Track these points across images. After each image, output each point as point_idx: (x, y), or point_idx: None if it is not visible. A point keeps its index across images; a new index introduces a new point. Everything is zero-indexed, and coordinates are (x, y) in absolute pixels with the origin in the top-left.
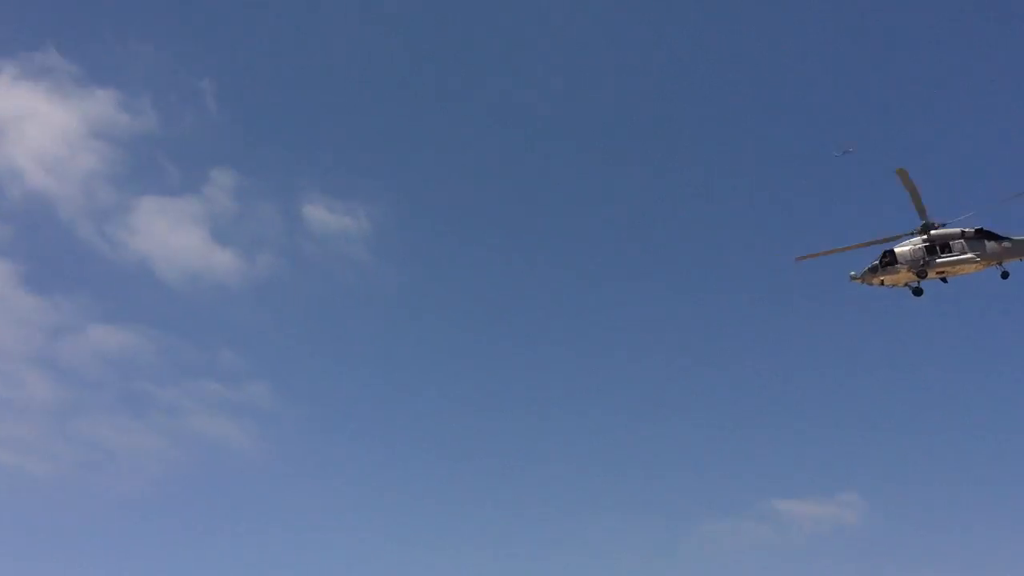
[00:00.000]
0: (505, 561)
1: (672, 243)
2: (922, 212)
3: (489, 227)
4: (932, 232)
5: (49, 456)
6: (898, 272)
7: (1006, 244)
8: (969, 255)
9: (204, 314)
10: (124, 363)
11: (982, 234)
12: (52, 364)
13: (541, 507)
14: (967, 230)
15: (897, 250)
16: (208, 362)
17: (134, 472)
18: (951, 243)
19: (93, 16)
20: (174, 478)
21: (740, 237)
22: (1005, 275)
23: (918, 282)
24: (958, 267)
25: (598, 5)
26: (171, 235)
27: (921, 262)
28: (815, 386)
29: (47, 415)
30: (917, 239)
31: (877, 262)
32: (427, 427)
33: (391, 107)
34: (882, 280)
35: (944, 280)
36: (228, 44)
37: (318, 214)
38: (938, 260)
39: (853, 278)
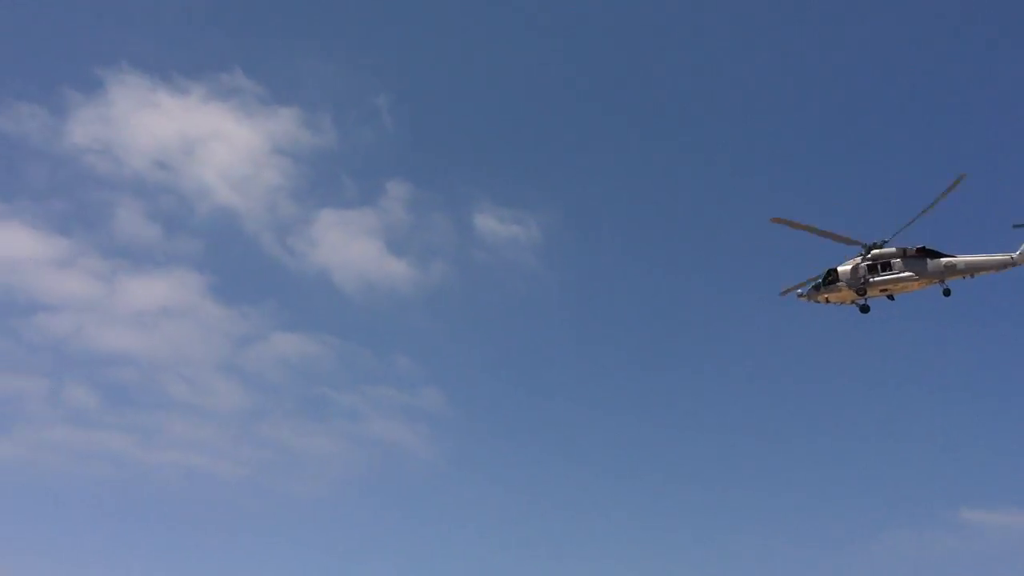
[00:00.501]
0: (675, 573)
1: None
2: (847, 241)
3: (657, 234)
4: (874, 251)
5: (236, 459)
6: (840, 290)
7: (946, 262)
8: (908, 273)
9: (380, 322)
10: (305, 369)
11: (924, 252)
12: (239, 371)
13: (713, 518)
14: (908, 248)
15: (840, 269)
16: (384, 368)
17: (315, 475)
18: (892, 261)
19: (277, 37)
20: (352, 480)
21: None
22: (947, 292)
23: (864, 299)
24: (899, 285)
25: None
26: (349, 246)
27: (861, 280)
28: (1005, 389)
29: (234, 420)
30: (859, 257)
31: (821, 280)
32: (598, 435)
33: (560, 116)
34: (827, 298)
35: (890, 297)
36: (403, 61)
37: (488, 223)
38: (877, 278)
39: (800, 296)
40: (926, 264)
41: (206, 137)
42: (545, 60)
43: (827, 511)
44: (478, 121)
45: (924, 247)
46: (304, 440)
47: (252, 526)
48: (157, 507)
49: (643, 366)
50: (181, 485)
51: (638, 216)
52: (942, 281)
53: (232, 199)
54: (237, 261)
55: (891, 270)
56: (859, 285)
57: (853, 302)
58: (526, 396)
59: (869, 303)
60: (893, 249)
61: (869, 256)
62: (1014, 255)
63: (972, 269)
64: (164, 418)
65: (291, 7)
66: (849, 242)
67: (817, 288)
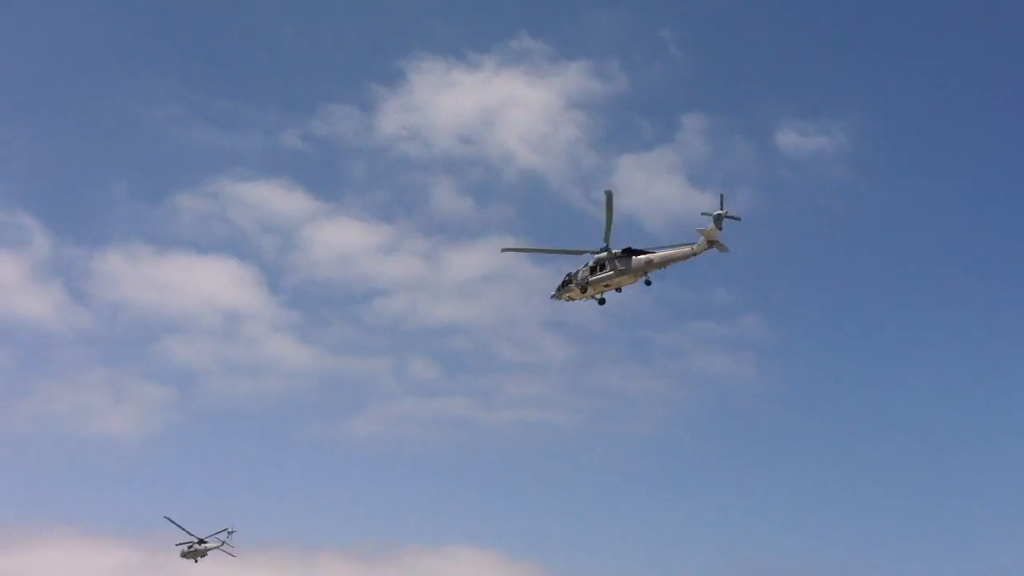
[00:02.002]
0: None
1: None
2: (607, 235)
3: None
4: (595, 256)
5: (570, 409)
6: (572, 290)
7: (645, 258)
8: (616, 271)
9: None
10: (626, 315)
11: (628, 252)
12: (563, 326)
13: None
14: (616, 251)
15: (572, 272)
16: (702, 302)
17: (646, 416)
18: (605, 263)
19: None
20: (683, 417)
21: None
22: (648, 282)
23: (599, 295)
24: (614, 281)
25: None
26: (652, 188)
27: (584, 281)
28: None
29: (564, 373)
30: (591, 260)
31: (561, 283)
32: (932, 356)
33: (852, 20)
34: (569, 296)
35: (618, 290)
36: None
37: (791, 139)
38: (594, 278)
39: (553, 297)
40: (631, 261)
41: (503, 105)
42: None
43: None
44: (766, 32)
45: (629, 248)
46: (632, 383)
47: (592, 470)
48: (501, 464)
49: (985, 286)
50: (521, 440)
51: (964, 102)
52: (645, 274)
53: (534, 161)
54: (547, 218)
55: (605, 270)
56: (583, 285)
57: (593, 297)
58: (848, 317)
59: (605, 296)
60: (607, 252)
61: (592, 260)
62: (694, 246)
63: (665, 261)
64: (499, 379)
65: None
66: (580, 253)
67: (559, 290)
